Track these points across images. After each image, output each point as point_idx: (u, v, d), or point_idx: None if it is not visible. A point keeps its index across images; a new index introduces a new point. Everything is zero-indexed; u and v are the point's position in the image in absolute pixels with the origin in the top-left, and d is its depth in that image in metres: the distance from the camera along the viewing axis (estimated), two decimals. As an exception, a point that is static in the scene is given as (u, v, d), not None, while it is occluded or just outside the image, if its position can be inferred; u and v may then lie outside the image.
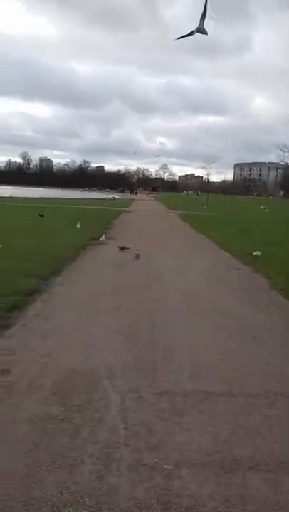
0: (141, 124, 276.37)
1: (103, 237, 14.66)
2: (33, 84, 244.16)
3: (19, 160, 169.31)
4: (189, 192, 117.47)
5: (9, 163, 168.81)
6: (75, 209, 32.25)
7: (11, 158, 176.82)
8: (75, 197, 66.09)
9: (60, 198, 55.41)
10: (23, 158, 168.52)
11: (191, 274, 9.42)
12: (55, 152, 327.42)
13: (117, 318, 5.97)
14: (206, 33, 6.23)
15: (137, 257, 11.17)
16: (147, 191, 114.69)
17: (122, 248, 12.27)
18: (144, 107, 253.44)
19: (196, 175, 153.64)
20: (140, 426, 3.33)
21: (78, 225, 17.82)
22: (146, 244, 13.70)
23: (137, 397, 3.79)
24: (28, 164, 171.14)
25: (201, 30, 6.25)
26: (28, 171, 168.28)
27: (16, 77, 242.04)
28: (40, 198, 54.33)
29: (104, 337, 5.20)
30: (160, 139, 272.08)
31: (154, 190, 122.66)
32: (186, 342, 5.17)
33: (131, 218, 27.27)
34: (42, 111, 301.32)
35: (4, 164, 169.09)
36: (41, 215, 21.54)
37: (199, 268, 10.21)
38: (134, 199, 68.06)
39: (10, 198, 53.05)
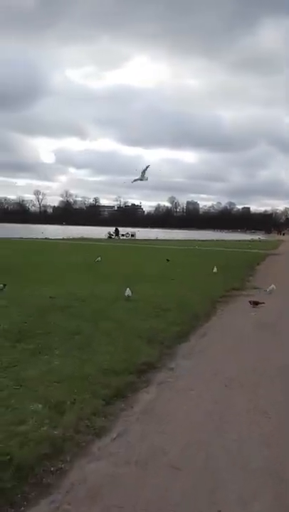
0: (288, 163, 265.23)
1: (272, 286, 11.08)
2: (181, 133, 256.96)
3: (167, 204, 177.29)
4: None
5: (158, 207, 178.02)
6: (215, 251, 30.53)
7: (160, 202, 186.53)
8: (218, 238, 64.72)
9: (201, 240, 54.59)
10: (171, 202, 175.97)
11: None
12: (202, 195, 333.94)
13: (263, 443, 3.71)
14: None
15: None
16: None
17: (255, 303, 9.79)
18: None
19: None
20: None
21: (215, 270, 15.93)
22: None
23: None
24: (176, 208, 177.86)
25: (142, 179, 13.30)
26: (175, 214, 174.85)
27: (166, 128, 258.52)
28: (183, 239, 54.39)
29: (239, 489, 3.06)
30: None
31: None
32: None
33: (279, 262, 24.20)
34: (189, 157, 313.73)
35: (154, 208, 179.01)
36: (168, 260, 20.21)
37: None
38: (282, 240, 63.44)
39: (156, 240, 54.51)
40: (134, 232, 62.04)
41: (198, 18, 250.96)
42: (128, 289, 9.70)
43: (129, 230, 68.31)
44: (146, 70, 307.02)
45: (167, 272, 15.75)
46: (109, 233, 57.58)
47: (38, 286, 11.07)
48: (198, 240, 52.42)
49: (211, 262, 19.09)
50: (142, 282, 12.51)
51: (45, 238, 49.31)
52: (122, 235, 59.19)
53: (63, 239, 50.88)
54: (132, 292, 9.66)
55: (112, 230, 59.64)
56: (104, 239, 52.29)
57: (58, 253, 24.91)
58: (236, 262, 21.28)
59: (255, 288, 12.85)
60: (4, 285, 10.04)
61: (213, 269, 15.96)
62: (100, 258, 19.10)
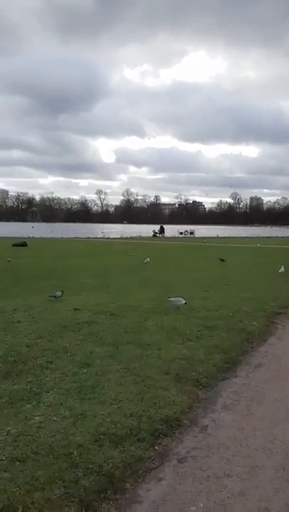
0: None
1: None
2: (240, 127, 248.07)
3: (230, 200, 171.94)
4: None
5: (220, 203, 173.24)
6: (279, 250, 27.81)
7: (221, 199, 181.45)
8: (283, 235, 60.63)
9: (265, 237, 51.27)
10: (234, 198, 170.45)
11: None
12: (265, 191, 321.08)
13: None
14: None
15: None
16: None
17: None
18: None
19: None
20: None
21: (282, 269, 13.88)
22: None
23: None
24: (238, 204, 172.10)
25: None
26: (237, 211, 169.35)
27: (225, 122, 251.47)
28: (244, 237, 51.45)
29: None
30: None
31: None
32: None
33: None
34: (250, 151, 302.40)
35: (216, 205, 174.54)
36: (222, 260, 18.20)
37: None
38: None
39: (216, 237, 52.18)
40: (193, 230, 59.91)
41: (253, 7, 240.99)
42: (181, 299, 8.21)
43: (188, 227, 66.33)
44: (202, 65, 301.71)
45: (221, 275, 13.84)
46: (154, 231, 54.53)
47: (72, 293, 9.83)
48: (262, 237, 49.20)
49: (274, 262, 16.87)
50: (188, 288, 10.82)
51: (103, 238, 49.03)
52: (181, 233, 57.33)
53: (121, 237, 50.37)
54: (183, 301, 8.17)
55: (156, 228, 56.50)
56: (154, 237, 50.57)
57: (109, 253, 23.83)
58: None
59: None
60: (62, 292, 9.06)
61: (279, 268, 13.93)
62: (148, 259, 17.62)
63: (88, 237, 48.11)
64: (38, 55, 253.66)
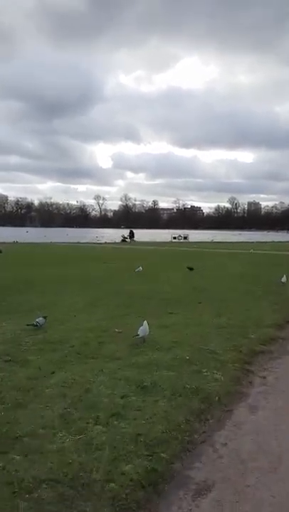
0: None
1: None
2: (236, 132, 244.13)
3: (227, 205, 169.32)
4: None
5: (218, 208, 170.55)
6: (273, 256, 25.22)
7: (219, 203, 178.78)
8: (280, 240, 58.13)
9: (262, 242, 48.76)
10: (231, 203, 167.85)
11: None
12: (262, 195, 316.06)
13: None
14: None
15: None
16: None
17: None
18: None
19: None
20: None
21: (284, 279, 11.62)
22: None
23: None
24: (236, 209, 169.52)
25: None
26: (235, 215, 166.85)
27: (220, 128, 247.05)
28: (238, 242, 48.98)
29: None
30: None
31: None
32: None
33: None
34: (246, 157, 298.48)
35: (213, 210, 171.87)
36: (191, 268, 15.40)
37: None
38: None
39: (210, 242, 49.81)
40: (187, 235, 57.35)
41: (246, 12, 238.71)
42: (145, 325, 5.93)
43: (184, 232, 63.96)
44: (196, 70, 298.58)
45: (198, 289, 11.25)
46: (123, 236, 50.80)
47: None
48: (256, 242, 46.65)
49: (265, 272, 14.37)
50: (151, 309, 8.30)
51: (94, 243, 46.61)
52: (174, 238, 54.79)
53: (115, 242, 47.98)
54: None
55: (126, 232, 52.34)
56: (124, 242, 47.64)
57: (86, 261, 21.28)
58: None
59: None
60: (45, 317, 6.67)
61: (281, 278, 11.65)
62: (140, 268, 14.97)
63: (78, 242, 45.63)
64: (33, 58, 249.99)
